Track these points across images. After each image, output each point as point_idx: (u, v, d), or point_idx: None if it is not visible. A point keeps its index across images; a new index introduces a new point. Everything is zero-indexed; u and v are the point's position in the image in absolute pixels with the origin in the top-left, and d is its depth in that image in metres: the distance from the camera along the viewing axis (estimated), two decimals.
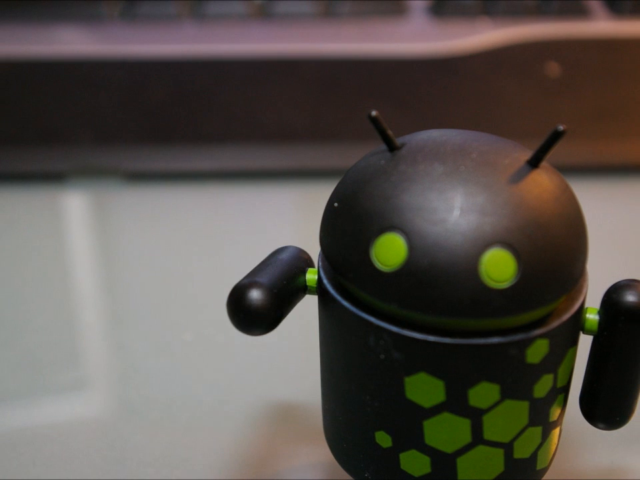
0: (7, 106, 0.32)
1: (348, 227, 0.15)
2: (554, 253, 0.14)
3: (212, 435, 0.22)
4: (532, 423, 0.16)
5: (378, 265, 0.14)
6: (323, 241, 0.16)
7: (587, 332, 0.16)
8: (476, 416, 0.15)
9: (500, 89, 0.32)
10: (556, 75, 0.32)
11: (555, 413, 0.16)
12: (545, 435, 0.16)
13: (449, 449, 0.16)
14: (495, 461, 0.16)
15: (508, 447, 0.16)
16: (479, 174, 0.15)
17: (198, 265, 0.28)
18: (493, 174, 0.15)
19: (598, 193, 0.31)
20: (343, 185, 0.16)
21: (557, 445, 0.17)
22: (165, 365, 0.24)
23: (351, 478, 0.18)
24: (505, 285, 0.14)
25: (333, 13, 0.34)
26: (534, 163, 0.15)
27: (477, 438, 0.15)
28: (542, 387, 0.15)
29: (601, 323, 0.16)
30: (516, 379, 0.15)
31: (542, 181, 0.15)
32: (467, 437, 0.15)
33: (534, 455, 0.16)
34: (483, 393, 0.15)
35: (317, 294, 0.16)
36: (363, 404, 0.16)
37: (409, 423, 0.16)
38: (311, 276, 0.17)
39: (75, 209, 0.31)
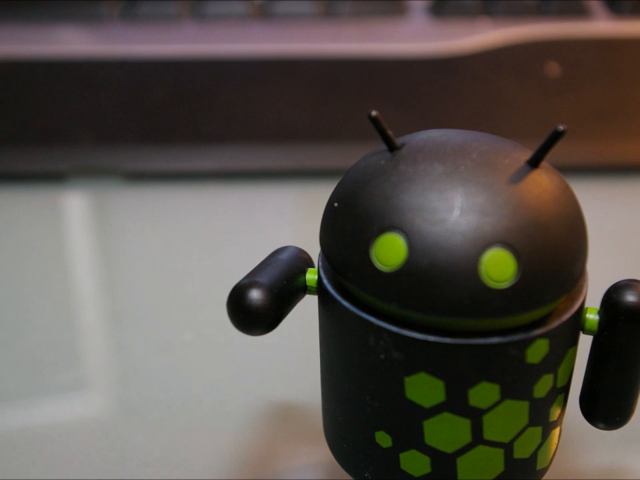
0: (6, 106, 0.32)
1: (348, 226, 0.15)
2: (554, 253, 0.14)
3: (212, 435, 0.22)
4: (532, 423, 0.16)
5: (378, 265, 0.14)
6: (322, 241, 0.16)
7: (586, 332, 0.16)
8: (476, 416, 0.15)
9: (500, 88, 0.32)
10: (556, 74, 0.32)
11: (555, 413, 0.16)
12: (545, 435, 0.16)
13: (449, 449, 0.16)
14: (495, 461, 0.16)
15: (508, 447, 0.16)
16: (479, 174, 0.15)
17: (198, 265, 0.28)
18: (492, 174, 0.15)
19: (598, 193, 0.31)
20: (343, 184, 0.16)
21: (557, 445, 0.17)
22: (165, 365, 0.24)
23: (350, 478, 0.18)
24: (504, 285, 0.14)
25: (333, 12, 0.34)
26: (534, 163, 0.15)
27: (477, 438, 0.15)
28: (542, 387, 0.15)
29: (601, 323, 0.16)
30: (516, 379, 0.15)
31: (542, 181, 0.15)
32: (467, 437, 0.15)
33: (534, 455, 0.16)
34: (483, 393, 0.15)
35: (317, 294, 0.16)
36: (362, 404, 0.16)
37: (409, 423, 0.16)
38: (311, 276, 0.17)
39: (74, 209, 0.31)
